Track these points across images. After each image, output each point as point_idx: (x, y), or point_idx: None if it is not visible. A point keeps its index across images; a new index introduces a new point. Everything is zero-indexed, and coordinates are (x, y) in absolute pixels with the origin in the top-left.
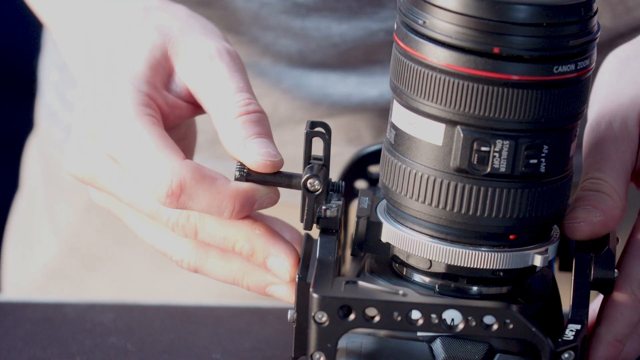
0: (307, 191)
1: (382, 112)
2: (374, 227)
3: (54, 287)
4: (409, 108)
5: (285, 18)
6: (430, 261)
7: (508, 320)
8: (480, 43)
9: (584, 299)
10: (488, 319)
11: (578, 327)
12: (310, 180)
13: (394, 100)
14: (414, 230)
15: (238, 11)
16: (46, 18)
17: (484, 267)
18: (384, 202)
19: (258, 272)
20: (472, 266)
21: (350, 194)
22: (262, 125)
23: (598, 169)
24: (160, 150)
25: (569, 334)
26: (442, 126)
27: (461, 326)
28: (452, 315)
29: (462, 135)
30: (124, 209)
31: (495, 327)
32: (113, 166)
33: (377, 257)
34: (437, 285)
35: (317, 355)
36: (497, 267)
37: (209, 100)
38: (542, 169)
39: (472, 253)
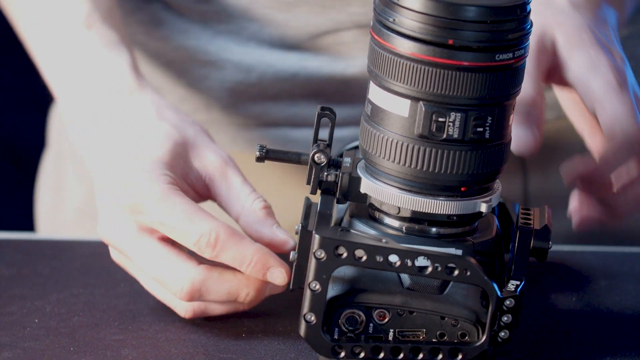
0: (314, 163)
1: (346, 81)
2: (354, 181)
3: (83, 227)
4: (382, 87)
5: (270, 12)
6: (399, 208)
7: (467, 269)
8: (438, 36)
9: (524, 262)
10: (451, 267)
11: (518, 282)
12: (317, 155)
13: (370, 81)
14: (386, 183)
15: (231, 6)
16: (54, 85)
17: (441, 212)
18: (362, 161)
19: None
20: (431, 212)
21: None
22: (273, 213)
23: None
24: (199, 212)
25: (511, 286)
26: (407, 102)
27: (429, 270)
28: (422, 262)
29: (423, 109)
30: (133, 268)
31: (456, 273)
32: (141, 236)
33: (357, 204)
34: (404, 227)
35: (313, 283)
36: (452, 213)
37: (232, 198)
38: (487, 135)
39: (432, 201)
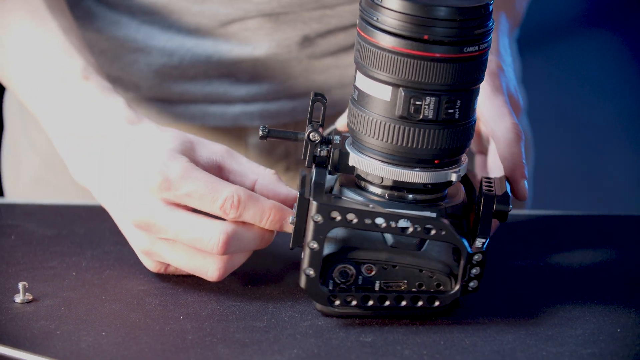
0: (309, 140)
1: (253, 63)
2: (344, 155)
3: (37, 192)
4: (367, 76)
5: (187, 4)
6: (382, 178)
7: (442, 229)
8: (415, 32)
9: (488, 222)
10: (429, 227)
11: (484, 240)
12: (312, 133)
13: (357, 71)
14: (371, 157)
15: (153, 0)
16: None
17: (418, 181)
18: (350, 138)
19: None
20: (410, 181)
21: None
22: (281, 182)
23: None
24: (219, 180)
25: (479, 243)
26: (389, 88)
27: (410, 230)
28: (404, 224)
29: (403, 94)
30: (164, 245)
31: (433, 232)
32: (171, 209)
33: (346, 175)
34: (386, 194)
35: (312, 243)
36: (427, 182)
37: (245, 169)
38: (456, 116)
39: (410, 172)
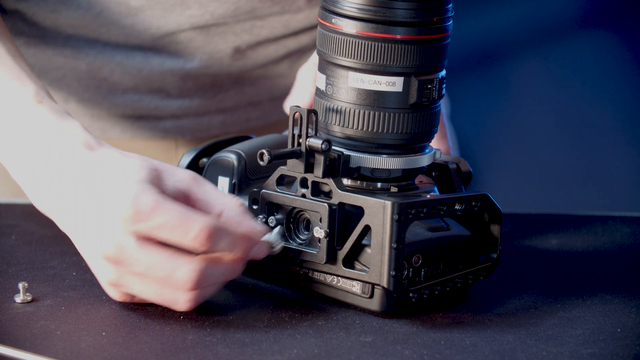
0: (322, 151)
1: (184, 76)
2: (346, 158)
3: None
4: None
5: (119, 17)
6: (390, 171)
7: (485, 201)
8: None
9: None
10: (475, 203)
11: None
12: (324, 144)
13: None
14: (385, 154)
15: (82, 14)
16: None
17: (424, 164)
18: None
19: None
20: (419, 166)
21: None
22: (248, 212)
23: None
24: (191, 211)
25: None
26: (401, 78)
27: (462, 207)
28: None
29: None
30: (133, 279)
31: (478, 205)
32: (141, 244)
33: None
34: (390, 187)
35: (395, 244)
36: (425, 165)
37: (211, 199)
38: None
39: (420, 157)
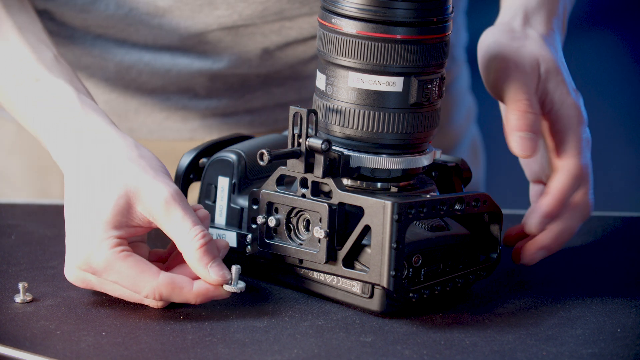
0: (322, 151)
1: (212, 76)
2: (346, 158)
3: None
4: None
5: (147, 17)
6: (390, 170)
7: (485, 200)
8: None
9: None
10: (476, 202)
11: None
12: (324, 144)
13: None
14: (386, 154)
15: (110, 15)
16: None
17: (425, 164)
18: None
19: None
20: (420, 166)
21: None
22: (213, 249)
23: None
24: (142, 273)
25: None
26: (401, 78)
27: (463, 207)
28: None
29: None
30: (102, 281)
31: (479, 204)
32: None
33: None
34: (391, 187)
35: (394, 244)
36: (425, 165)
37: (174, 235)
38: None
39: (421, 157)
